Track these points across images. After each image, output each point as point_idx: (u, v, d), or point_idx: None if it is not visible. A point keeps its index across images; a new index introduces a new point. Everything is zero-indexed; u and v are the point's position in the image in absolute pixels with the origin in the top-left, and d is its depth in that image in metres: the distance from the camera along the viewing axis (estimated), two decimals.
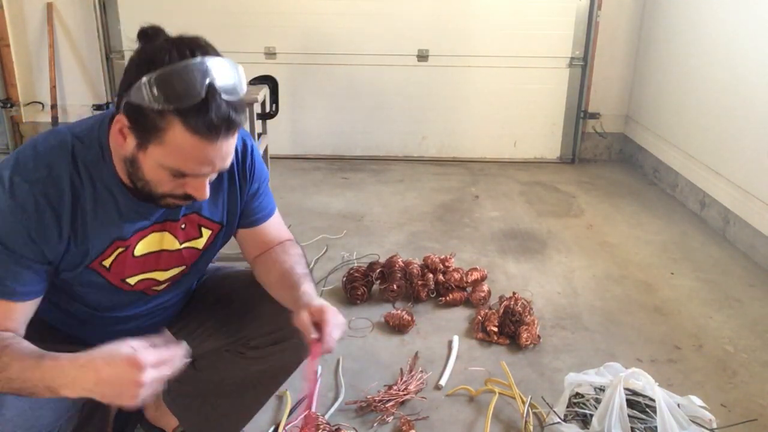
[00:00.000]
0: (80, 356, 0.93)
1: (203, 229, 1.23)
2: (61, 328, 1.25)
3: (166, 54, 0.94)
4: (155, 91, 0.92)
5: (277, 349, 1.35)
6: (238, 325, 1.35)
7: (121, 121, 0.99)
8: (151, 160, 0.99)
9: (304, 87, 4.12)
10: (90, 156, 1.06)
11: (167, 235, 1.18)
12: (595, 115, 4.21)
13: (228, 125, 0.97)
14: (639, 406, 1.51)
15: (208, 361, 1.43)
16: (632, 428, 1.44)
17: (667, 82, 3.70)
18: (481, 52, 4.04)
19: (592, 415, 1.49)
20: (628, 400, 1.48)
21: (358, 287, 2.34)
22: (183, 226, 1.19)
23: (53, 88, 4.05)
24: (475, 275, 2.40)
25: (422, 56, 4.08)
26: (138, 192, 1.07)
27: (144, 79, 0.93)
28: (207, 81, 0.93)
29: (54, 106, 4.08)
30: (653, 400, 1.47)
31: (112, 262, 1.13)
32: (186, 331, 1.39)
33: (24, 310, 1.05)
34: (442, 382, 1.85)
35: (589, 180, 3.90)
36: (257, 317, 1.34)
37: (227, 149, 1.00)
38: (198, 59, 0.94)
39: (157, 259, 1.19)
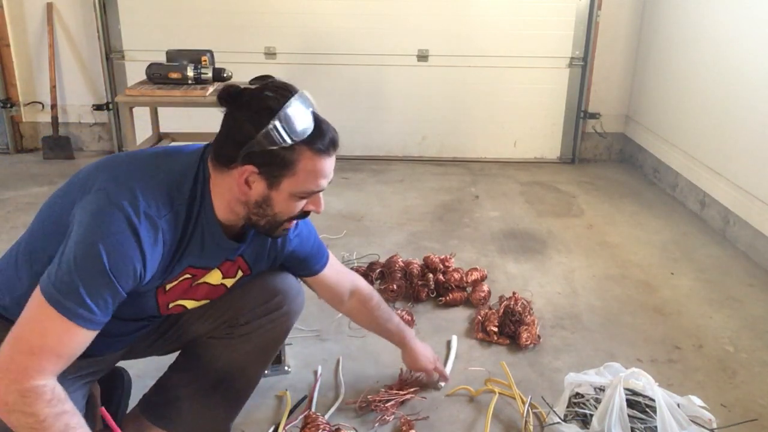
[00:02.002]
0: None
1: (239, 271, 1.34)
2: None
3: (275, 101, 1.10)
4: (283, 132, 1.08)
5: (267, 321, 1.41)
6: (226, 305, 1.39)
7: (247, 171, 1.11)
8: (284, 193, 1.15)
9: (304, 87, 4.03)
10: (198, 190, 1.16)
11: (216, 271, 1.28)
12: (595, 115, 4.22)
13: (335, 140, 1.17)
14: (639, 406, 1.51)
15: (193, 354, 1.46)
16: (632, 428, 1.44)
17: (667, 82, 3.70)
18: (481, 52, 4.05)
19: (592, 415, 1.49)
20: (628, 400, 1.48)
21: None
22: (231, 265, 1.31)
23: (53, 88, 4.06)
24: (475, 275, 2.40)
25: (422, 56, 4.08)
26: (254, 229, 1.22)
27: (271, 125, 1.07)
28: (311, 110, 1.13)
29: (54, 106, 4.08)
30: (653, 400, 1.47)
31: (172, 287, 1.22)
32: (171, 321, 1.41)
33: (85, 342, 1.07)
34: (442, 382, 1.85)
35: (589, 180, 3.91)
36: (245, 293, 1.40)
37: (334, 161, 1.19)
38: (297, 95, 1.12)
39: (198, 290, 1.29)
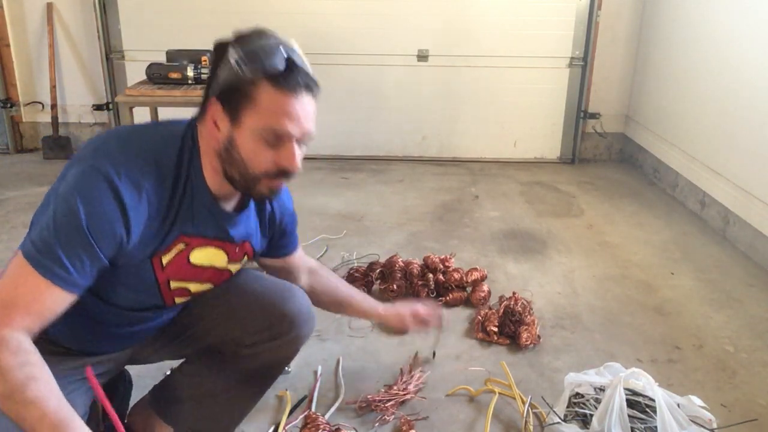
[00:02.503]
0: None
1: (245, 257, 1.33)
2: (62, 340, 1.24)
3: (248, 38, 1.09)
4: (242, 62, 1.06)
5: (274, 345, 1.38)
6: (231, 325, 1.37)
7: (212, 109, 1.11)
8: (246, 131, 1.09)
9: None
10: (186, 154, 1.14)
11: (221, 253, 1.26)
12: (595, 115, 4.22)
13: (308, 86, 1.11)
14: (639, 406, 1.51)
15: (200, 363, 1.44)
16: (632, 428, 1.44)
17: (667, 82, 3.70)
18: (481, 52, 4.05)
19: (592, 415, 1.49)
20: (628, 400, 1.48)
21: (358, 287, 2.34)
22: (237, 249, 1.28)
23: (53, 88, 4.06)
24: (475, 275, 2.40)
25: (422, 56, 4.08)
26: (233, 186, 1.15)
27: (234, 56, 1.06)
28: (286, 55, 1.08)
29: (54, 106, 4.08)
30: (653, 400, 1.47)
31: (169, 261, 1.17)
32: (178, 331, 1.39)
33: (59, 303, 1.04)
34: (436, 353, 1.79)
35: (589, 180, 3.90)
36: (253, 312, 1.36)
37: (310, 110, 1.13)
38: (274, 39, 1.10)
39: (204, 272, 1.25)
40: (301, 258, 1.53)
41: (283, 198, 1.39)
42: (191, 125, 1.17)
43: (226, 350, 1.39)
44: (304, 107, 1.11)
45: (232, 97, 1.09)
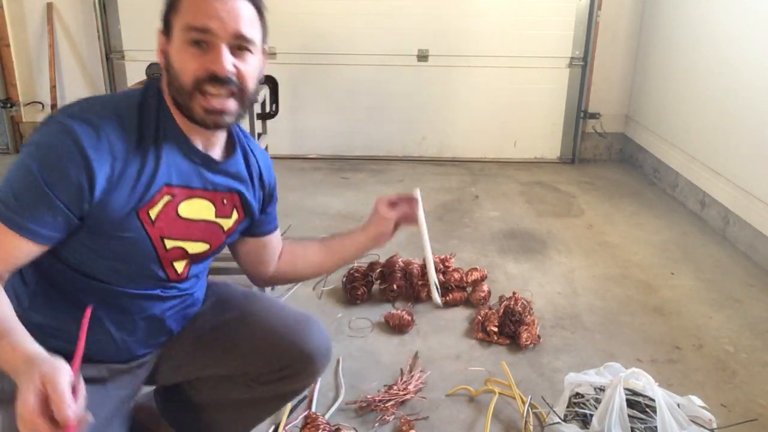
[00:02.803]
0: (28, 356, 0.88)
1: (235, 212, 1.27)
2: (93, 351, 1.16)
3: None
4: None
5: (290, 381, 1.34)
6: (248, 357, 1.31)
7: (159, 42, 1.11)
8: (175, 40, 1.07)
9: (304, 87, 4.12)
10: (150, 102, 1.11)
11: (208, 205, 1.21)
12: (595, 115, 4.21)
13: None
14: (639, 406, 1.51)
15: (211, 385, 1.39)
16: (632, 428, 1.44)
17: (667, 82, 3.70)
18: (481, 52, 4.05)
19: (592, 415, 1.49)
20: (628, 400, 1.48)
21: (358, 287, 2.34)
22: (224, 200, 1.23)
23: (53, 88, 4.05)
24: (475, 275, 2.40)
25: (422, 56, 4.08)
26: (182, 113, 1.11)
27: None
28: None
29: (54, 106, 4.08)
30: (653, 400, 1.47)
31: (157, 215, 1.12)
32: (188, 356, 1.33)
33: (25, 252, 1.03)
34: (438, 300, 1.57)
35: (589, 180, 3.90)
36: (268, 349, 1.30)
37: (238, 10, 1.06)
38: None
39: (196, 227, 1.20)
40: (278, 237, 1.46)
41: (268, 161, 1.35)
42: (155, 81, 1.15)
43: (240, 381, 1.35)
44: (227, 5, 1.06)
45: (166, 17, 1.09)
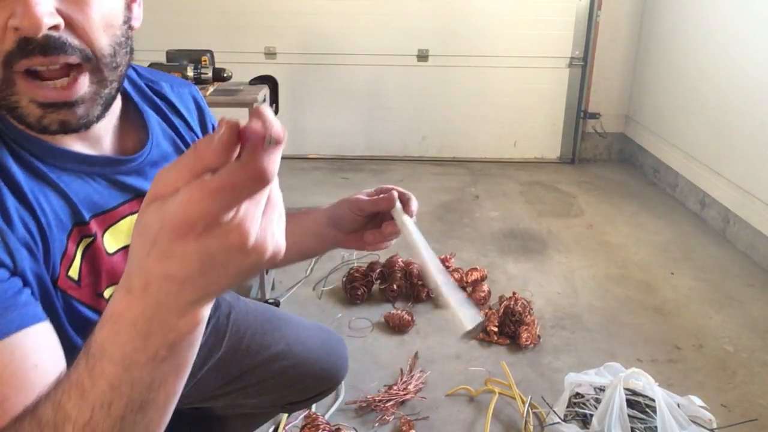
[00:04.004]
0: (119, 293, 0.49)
1: None
2: None
3: None
4: None
5: (312, 401, 1.34)
6: (277, 396, 1.27)
7: None
8: None
9: (304, 87, 4.12)
10: (11, 131, 0.72)
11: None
12: (595, 115, 4.21)
13: None
14: (639, 406, 1.51)
15: (228, 404, 1.32)
16: (632, 428, 1.44)
17: (667, 82, 3.70)
18: (480, 52, 4.04)
19: (592, 415, 1.49)
20: (628, 400, 1.48)
21: (358, 287, 2.34)
22: None
23: None
24: (475, 275, 2.40)
25: (422, 56, 4.08)
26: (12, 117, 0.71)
27: None
28: None
29: None
30: (653, 400, 1.47)
31: (80, 269, 0.75)
32: (214, 393, 1.22)
33: (51, 335, 0.66)
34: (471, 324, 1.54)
35: (589, 180, 3.90)
36: (300, 388, 1.27)
37: None
38: None
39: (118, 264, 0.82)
40: None
41: (187, 96, 0.99)
42: None
43: (266, 407, 1.34)
44: None
45: None
